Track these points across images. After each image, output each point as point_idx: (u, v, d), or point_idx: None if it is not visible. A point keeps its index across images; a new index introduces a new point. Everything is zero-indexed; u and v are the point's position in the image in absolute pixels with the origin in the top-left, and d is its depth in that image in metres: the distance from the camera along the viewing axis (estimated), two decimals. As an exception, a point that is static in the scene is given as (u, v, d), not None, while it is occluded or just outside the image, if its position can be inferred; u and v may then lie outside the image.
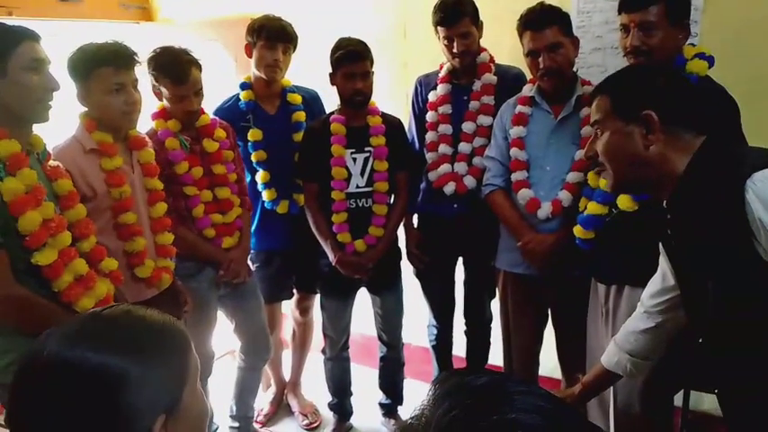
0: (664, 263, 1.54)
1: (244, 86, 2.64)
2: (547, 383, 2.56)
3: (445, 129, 2.51)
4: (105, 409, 0.76)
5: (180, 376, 0.83)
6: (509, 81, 2.46)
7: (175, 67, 2.23)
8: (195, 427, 0.86)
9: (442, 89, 2.52)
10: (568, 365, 2.43)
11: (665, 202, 1.39)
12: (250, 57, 2.59)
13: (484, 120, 2.46)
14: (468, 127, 2.48)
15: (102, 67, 1.92)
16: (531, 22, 2.13)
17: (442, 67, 2.56)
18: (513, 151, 2.30)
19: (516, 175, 2.29)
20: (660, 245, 1.52)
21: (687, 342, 1.93)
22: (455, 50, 2.38)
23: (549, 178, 2.24)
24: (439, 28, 2.40)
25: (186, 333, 0.87)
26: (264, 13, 2.59)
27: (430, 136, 2.55)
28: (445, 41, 2.40)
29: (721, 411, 1.47)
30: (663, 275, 1.56)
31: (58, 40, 2.08)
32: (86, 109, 2.00)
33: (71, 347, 0.78)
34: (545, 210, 2.22)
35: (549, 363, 2.53)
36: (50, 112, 1.70)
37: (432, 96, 2.55)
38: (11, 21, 2.97)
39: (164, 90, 2.27)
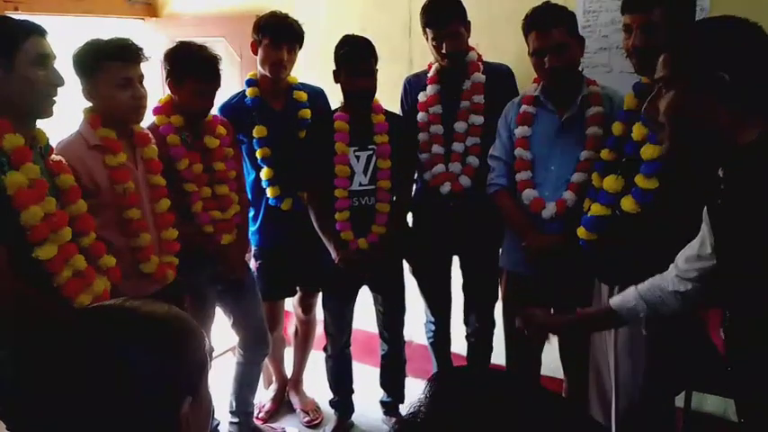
0: (706, 231, 1.47)
1: (250, 83, 2.65)
2: (549, 383, 2.56)
3: (437, 129, 2.52)
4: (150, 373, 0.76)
5: (201, 363, 0.85)
6: (499, 78, 2.47)
7: (206, 64, 2.25)
8: (206, 418, 0.87)
9: (431, 89, 2.53)
10: (571, 366, 2.42)
11: (720, 170, 1.30)
12: (255, 54, 2.59)
13: (475, 119, 2.47)
14: (460, 126, 2.48)
15: (109, 62, 1.93)
16: (537, 22, 2.12)
17: (430, 67, 2.56)
18: (518, 151, 2.29)
19: (521, 175, 2.28)
20: (705, 212, 1.44)
21: (692, 342, 1.94)
22: (444, 51, 2.38)
23: (553, 178, 2.24)
24: (428, 29, 2.39)
25: (194, 323, 0.89)
26: (271, 10, 2.59)
27: (422, 136, 2.55)
28: (434, 42, 2.40)
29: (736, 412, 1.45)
30: (701, 242, 1.50)
31: (64, 37, 2.08)
32: (90, 105, 2.00)
33: (106, 332, 0.78)
34: (549, 210, 2.21)
35: (551, 363, 2.53)
36: (54, 107, 1.71)
37: (422, 97, 2.55)
38: (16, 16, 2.98)
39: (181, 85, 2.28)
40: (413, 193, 2.66)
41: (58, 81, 1.69)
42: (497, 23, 2.45)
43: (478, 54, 2.51)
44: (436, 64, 2.52)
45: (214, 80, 2.30)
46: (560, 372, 2.51)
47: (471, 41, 2.48)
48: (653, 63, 1.67)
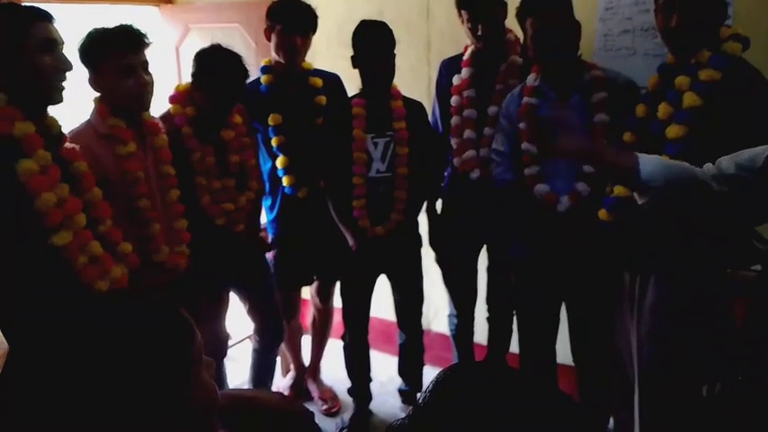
0: (760, 150, 1.44)
1: (264, 70, 2.62)
2: (564, 372, 2.53)
3: (470, 113, 2.46)
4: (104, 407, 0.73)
5: (183, 371, 0.80)
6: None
7: (233, 79, 2.24)
8: (203, 415, 0.85)
9: (466, 72, 2.47)
10: (583, 353, 2.39)
11: None
12: (269, 41, 2.55)
13: None
14: (493, 111, 2.42)
15: (111, 50, 1.91)
16: (534, 6, 2.08)
17: (466, 50, 2.50)
18: (525, 145, 2.22)
19: (529, 170, 2.22)
20: None
21: (717, 328, 1.89)
22: (479, 33, 2.33)
23: (563, 170, 2.17)
24: (462, 11, 2.34)
25: (187, 321, 0.85)
26: None
27: (454, 120, 2.50)
28: (469, 24, 2.35)
29: None
30: (755, 155, 1.45)
31: (79, 25, 2.06)
32: (99, 95, 1.99)
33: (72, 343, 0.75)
34: (564, 203, 2.16)
35: (567, 351, 2.49)
36: (64, 93, 1.70)
37: (456, 80, 2.49)
38: (31, 3, 2.98)
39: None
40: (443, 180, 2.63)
41: (66, 66, 1.67)
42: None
43: (516, 36, 2.45)
44: (472, 46, 2.46)
45: (237, 94, 2.29)
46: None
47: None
48: (688, 44, 1.62)
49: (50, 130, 1.74)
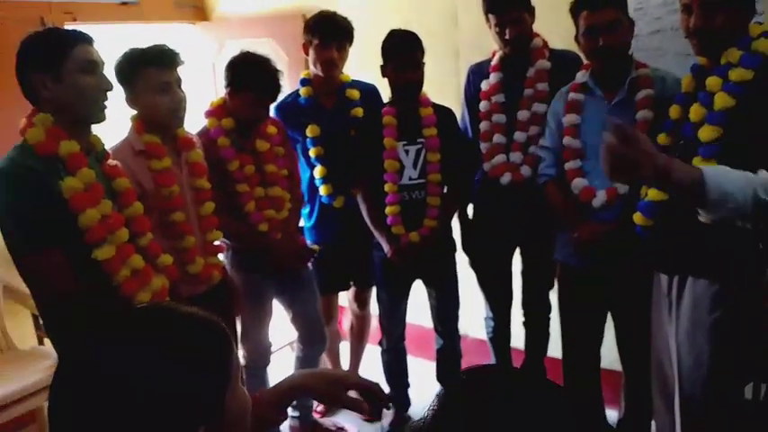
0: None
1: (304, 83, 2.68)
2: (608, 376, 2.50)
3: (499, 118, 2.47)
4: (140, 418, 0.73)
5: (220, 384, 0.81)
6: (566, 66, 2.38)
7: (266, 78, 2.31)
8: (236, 426, 0.85)
9: (494, 77, 2.48)
10: (631, 358, 2.37)
11: None
12: (307, 54, 2.63)
13: (539, 107, 2.41)
14: (522, 115, 2.43)
15: (147, 68, 1.98)
16: (588, 1, 2.08)
17: (494, 55, 2.51)
18: (567, 140, 2.24)
19: (570, 164, 2.23)
20: None
21: (758, 329, 1.85)
22: (507, 37, 2.34)
23: None
24: (490, 15, 2.36)
25: (227, 333, 0.85)
26: (320, 10, 2.60)
27: (483, 126, 2.51)
28: (496, 28, 2.36)
29: None
30: None
31: (118, 44, 2.15)
32: (136, 112, 2.06)
33: (105, 352, 0.76)
34: (600, 199, 2.16)
35: (610, 355, 2.47)
36: (106, 112, 1.76)
37: (484, 85, 2.51)
38: (74, 25, 3.10)
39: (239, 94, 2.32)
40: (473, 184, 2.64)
41: (107, 86, 1.74)
42: (541, 11, 2.39)
43: (544, 40, 2.45)
44: (500, 52, 2.47)
45: (272, 94, 2.35)
46: (619, 364, 2.45)
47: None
48: (714, 44, 1.57)
49: (94, 148, 1.82)
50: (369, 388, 1.13)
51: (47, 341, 2.88)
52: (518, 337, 2.84)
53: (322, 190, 2.69)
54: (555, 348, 2.66)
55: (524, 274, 2.71)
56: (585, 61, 2.25)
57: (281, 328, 2.95)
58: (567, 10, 2.16)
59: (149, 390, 0.73)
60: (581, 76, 2.24)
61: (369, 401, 1.13)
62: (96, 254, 1.69)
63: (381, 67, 2.44)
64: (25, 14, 3.06)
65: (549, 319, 2.74)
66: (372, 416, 2.79)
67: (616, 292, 2.28)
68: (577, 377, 2.43)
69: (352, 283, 2.99)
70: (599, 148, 2.16)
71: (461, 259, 2.75)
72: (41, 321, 2.22)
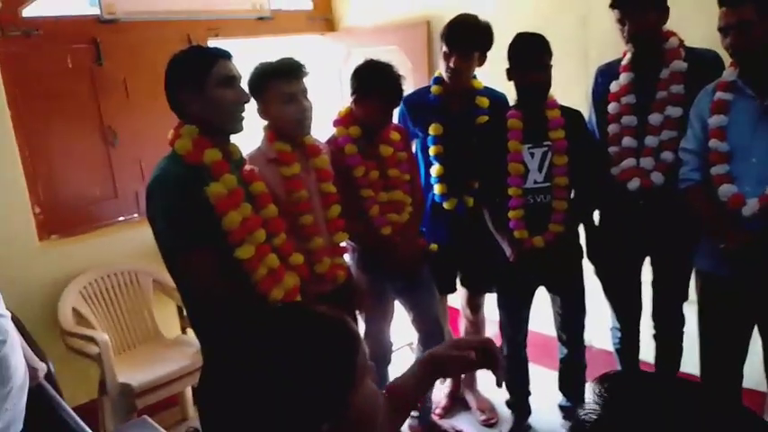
0: None
1: (436, 81, 2.72)
2: (751, 397, 2.32)
3: (629, 120, 2.36)
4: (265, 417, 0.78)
5: (346, 381, 0.83)
6: (705, 67, 2.24)
7: (390, 84, 2.38)
8: (365, 424, 0.87)
9: (625, 78, 2.38)
10: None
11: None
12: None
13: (672, 111, 2.27)
14: (654, 119, 2.30)
15: (274, 81, 2.10)
16: None
17: (624, 55, 2.41)
18: (713, 142, 2.09)
19: (716, 169, 2.08)
20: None
21: None
22: (625, 33, 2.24)
23: (755, 171, 2.01)
24: (614, 10, 2.27)
25: (355, 332, 0.88)
26: (459, 14, 2.60)
27: (612, 128, 2.41)
28: (619, 25, 2.26)
29: None
30: None
31: (257, 56, 2.30)
32: (267, 122, 2.19)
33: (239, 355, 0.82)
34: (751, 206, 2.00)
35: (754, 374, 2.29)
36: (243, 122, 1.89)
37: (614, 86, 2.41)
38: (217, 41, 3.35)
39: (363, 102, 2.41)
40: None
41: (245, 98, 1.87)
42: (681, 4, 2.25)
43: (680, 40, 2.31)
44: (630, 51, 2.36)
45: (396, 100, 2.41)
46: (764, 385, 2.26)
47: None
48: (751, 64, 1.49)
49: (233, 156, 1.96)
50: (483, 344, 1.18)
51: (189, 331, 3.13)
52: (646, 350, 2.70)
53: (437, 189, 2.72)
54: (686, 364, 2.51)
55: (655, 284, 2.57)
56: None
57: (400, 329, 3.00)
58: (709, 6, 2.03)
59: (281, 382, 0.78)
60: (729, 74, 2.09)
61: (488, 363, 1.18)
62: (238, 253, 1.82)
63: (507, 70, 2.42)
64: (172, 33, 3.33)
65: (682, 333, 2.58)
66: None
67: (765, 303, 2.10)
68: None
69: (460, 286, 2.98)
70: (749, 151, 2.02)
71: (587, 266, 2.66)
72: (185, 313, 2.41)
